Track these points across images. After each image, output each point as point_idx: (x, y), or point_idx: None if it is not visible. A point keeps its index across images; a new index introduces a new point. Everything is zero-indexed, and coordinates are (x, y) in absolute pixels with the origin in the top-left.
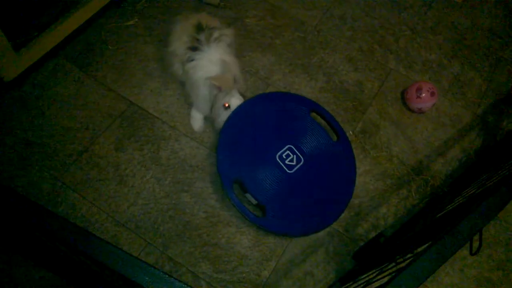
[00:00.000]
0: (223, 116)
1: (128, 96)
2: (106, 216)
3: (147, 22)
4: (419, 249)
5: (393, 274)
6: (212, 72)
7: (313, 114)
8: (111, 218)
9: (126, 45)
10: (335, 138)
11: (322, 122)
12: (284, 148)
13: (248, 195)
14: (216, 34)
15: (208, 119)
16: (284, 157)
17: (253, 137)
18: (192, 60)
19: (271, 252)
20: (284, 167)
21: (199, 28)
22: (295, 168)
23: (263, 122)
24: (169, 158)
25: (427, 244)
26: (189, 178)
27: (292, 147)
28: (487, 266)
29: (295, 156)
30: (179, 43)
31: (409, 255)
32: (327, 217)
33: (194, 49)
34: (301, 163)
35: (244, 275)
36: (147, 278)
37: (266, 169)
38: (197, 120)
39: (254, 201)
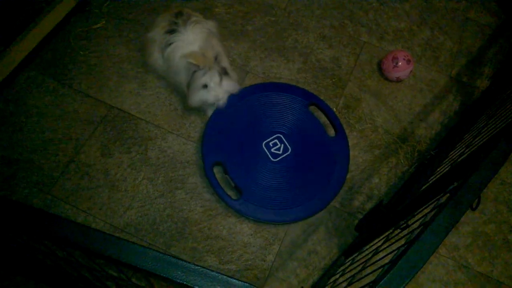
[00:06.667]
0: (200, 95)
1: (107, 100)
2: (103, 223)
3: (115, 23)
4: (417, 214)
5: (404, 236)
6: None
7: (313, 108)
8: (108, 225)
9: (97, 49)
10: (332, 133)
11: (321, 115)
12: (273, 137)
13: (227, 177)
14: (194, 18)
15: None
16: (271, 145)
17: (244, 123)
18: (171, 43)
19: (273, 236)
20: (269, 155)
21: (178, 14)
22: (280, 157)
23: (257, 110)
24: (158, 158)
25: (425, 207)
26: (181, 175)
27: (282, 136)
28: (480, 221)
29: (282, 145)
30: (158, 29)
31: (409, 219)
32: (312, 207)
33: (171, 32)
34: (288, 152)
35: (250, 262)
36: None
37: (249, 155)
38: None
39: (232, 183)
